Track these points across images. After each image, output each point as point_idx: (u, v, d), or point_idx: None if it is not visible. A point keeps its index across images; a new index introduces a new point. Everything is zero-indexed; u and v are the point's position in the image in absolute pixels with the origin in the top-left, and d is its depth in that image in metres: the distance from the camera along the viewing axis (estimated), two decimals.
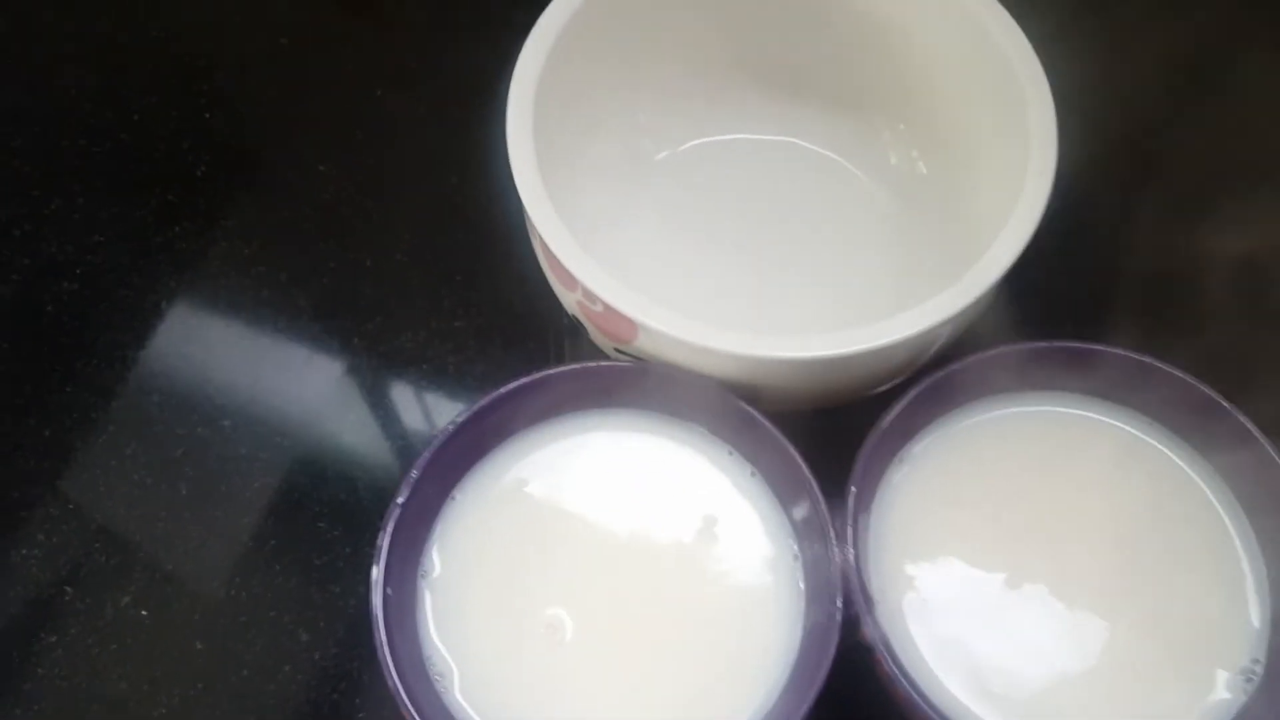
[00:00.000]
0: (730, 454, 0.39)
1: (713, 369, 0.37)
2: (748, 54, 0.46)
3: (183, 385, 0.46)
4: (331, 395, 0.46)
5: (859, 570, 0.35)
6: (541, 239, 0.37)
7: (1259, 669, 0.35)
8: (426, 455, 0.36)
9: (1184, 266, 0.45)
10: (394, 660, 0.33)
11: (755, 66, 0.47)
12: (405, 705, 0.33)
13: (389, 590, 0.35)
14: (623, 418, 0.40)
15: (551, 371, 0.38)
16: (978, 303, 0.36)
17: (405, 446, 0.45)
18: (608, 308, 0.36)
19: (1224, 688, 0.35)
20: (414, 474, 0.36)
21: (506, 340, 0.47)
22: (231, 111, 0.53)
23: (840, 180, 0.47)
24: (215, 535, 0.43)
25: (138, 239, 0.49)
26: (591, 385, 0.39)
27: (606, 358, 0.40)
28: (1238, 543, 0.37)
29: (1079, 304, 0.45)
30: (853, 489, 0.36)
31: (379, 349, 0.47)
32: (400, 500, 0.36)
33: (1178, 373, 0.37)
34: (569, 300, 0.40)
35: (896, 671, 0.33)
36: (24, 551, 0.43)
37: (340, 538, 0.43)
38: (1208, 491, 0.38)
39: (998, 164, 0.40)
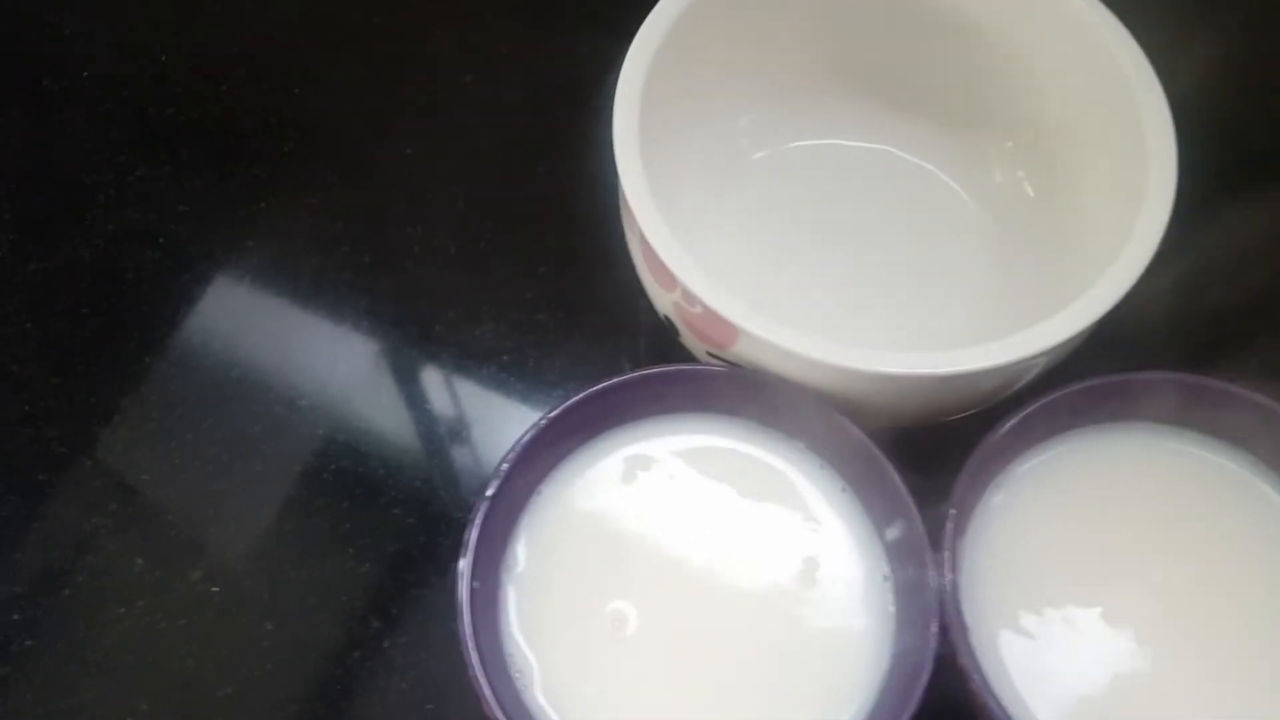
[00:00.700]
0: (822, 468, 0.38)
1: (808, 378, 0.36)
2: (851, 60, 0.46)
3: (261, 363, 0.46)
4: (410, 383, 0.46)
5: (955, 596, 0.34)
6: (643, 237, 0.37)
7: None
8: (518, 448, 0.36)
9: None
10: (479, 655, 0.33)
11: (858, 73, 0.46)
12: (490, 703, 0.32)
13: (476, 584, 0.34)
14: (714, 423, 0.39)
15: (651, 371, 0.37)
16: (1090, 328, 0.35)
17: (482, 437, 0.45)
18: (708, 311, 0.36)
19: None
20: (504, 466, 0.35)
21: (589, 336, 0.46)
22: (321, 90, 0.53)
23: (939, 194, 0.46)
24: (289, 516, 0.43)
25: (223, 211, 0.49)
26: (689, 388, 0.38)
27: (695, 360, 0.40)
28: None
29: (1189, 332, 0.43)
30: (952, 511, 0.35)
31: (459, 338, 0.46)
32: (490, 493, 0.35)
33: None
34: (664, 301, 0.39)
35: (994, 704, 0.32)
36: (95, 520, 0.43)
37: (414, 526, 0.42)
38: None
39: (1110, 184, 0.39)
